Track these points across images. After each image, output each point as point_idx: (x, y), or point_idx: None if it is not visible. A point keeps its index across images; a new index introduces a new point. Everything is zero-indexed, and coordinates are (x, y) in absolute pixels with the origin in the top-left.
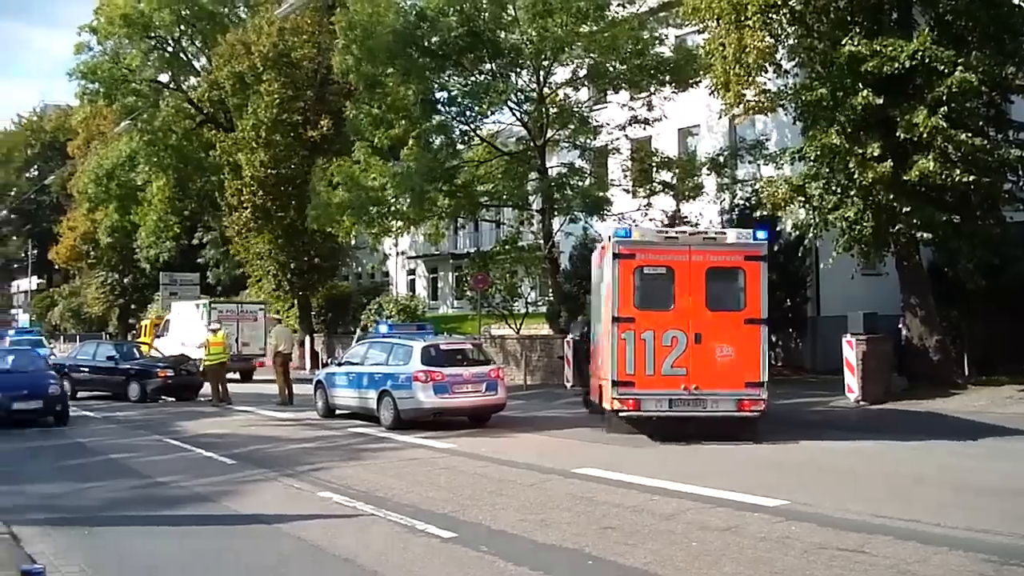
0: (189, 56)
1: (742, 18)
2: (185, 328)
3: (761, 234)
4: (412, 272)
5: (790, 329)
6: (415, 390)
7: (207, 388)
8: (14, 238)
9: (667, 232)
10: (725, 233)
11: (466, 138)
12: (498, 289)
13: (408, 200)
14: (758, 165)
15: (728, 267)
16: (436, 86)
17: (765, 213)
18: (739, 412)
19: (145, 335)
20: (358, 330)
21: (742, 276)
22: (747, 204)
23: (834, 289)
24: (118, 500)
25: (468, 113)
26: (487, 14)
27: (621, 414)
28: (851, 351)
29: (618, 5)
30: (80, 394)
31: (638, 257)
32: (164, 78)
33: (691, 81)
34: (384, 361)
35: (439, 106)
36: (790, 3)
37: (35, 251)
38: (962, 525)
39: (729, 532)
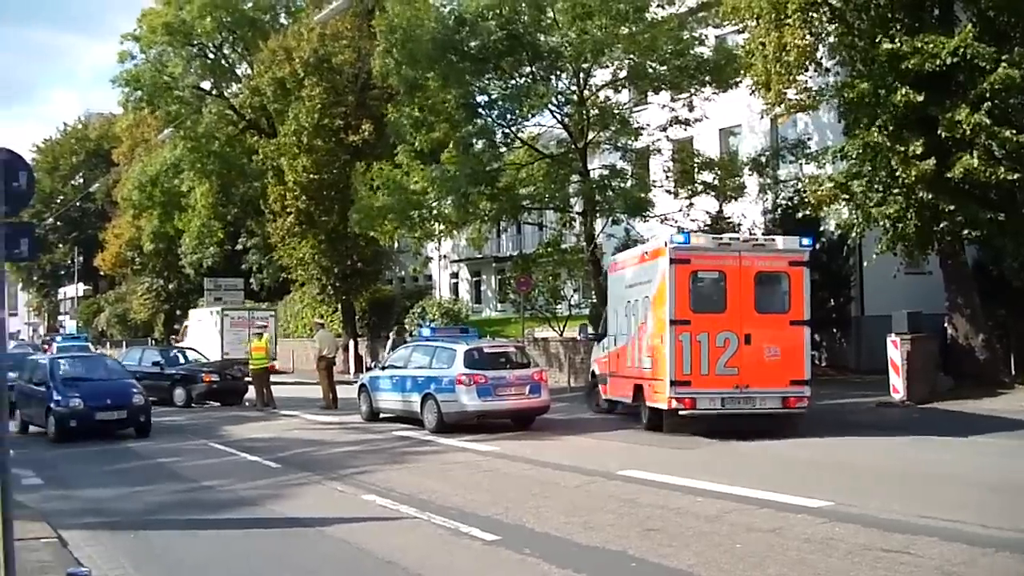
0: (231, 63)
1: (782, 17)
2: (201, 333)
3: (806, 241)
4: (455, 276)
5: (834, 329)
6: (459, 393)
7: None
8: (60, 245)
9: (721, 238)
10: (774, 240)
11: (507, 141)
12: (541, 292)
13: (450, 203)
14: (800, 165)
15: (775, 272)
16: (476, 90)
17: (808, 213)
18: (785, 409)
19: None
20: (391, 334)
21: (787, 280)
22: (790, 204)
23: (878, 288)
24: (164, 504)
25: (509, 116)
26: (526, 17)
27: (680, 412)
28: (896, 351)
29: (657, 6)
30: None
31: (693, 262)
32: (206, 85)
33: (732, 81)
34: (427, 364)
35: (480, 109)
36: (830, 1)
37: (81, 258)
38: (1009, 526)
39: (773, 533)
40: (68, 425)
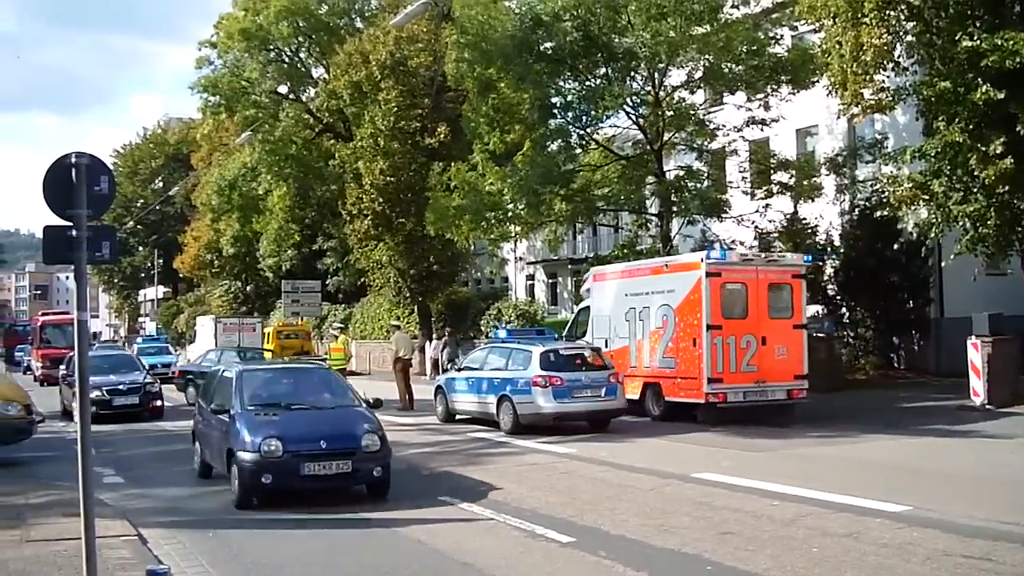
0: (307, 67)
1: (859, 15)
2: (205, 336)
3: (807, 257)
4: (531, 277)
5: (912, 331)
6: (534, 395)
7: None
8: (141, 248)
9: (745, 254)
10: (784, 255)
11: (582, 143)
12: None
13: (524, 204)
14: (878, 165)
15: (782, 283)
16: (552, 91)
17: (886, 214)
18: (790, 399)
19: (268, 342)
20: (444, 336)
21: (791, 290)
22: (867, 205)
23: (958, 290)
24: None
25: (584, 117)
26: (602, 18)
27: (719, 405)
28: (976, 353)
29: (732, 6)
30: None
31: (723, 275)
32: (283, 89)
33: (808, 81)
34: (503, 366)
35: (555, 111)
36: None
37: (161, 261)
38: None
39: (850, 538)
40: (260, 482)
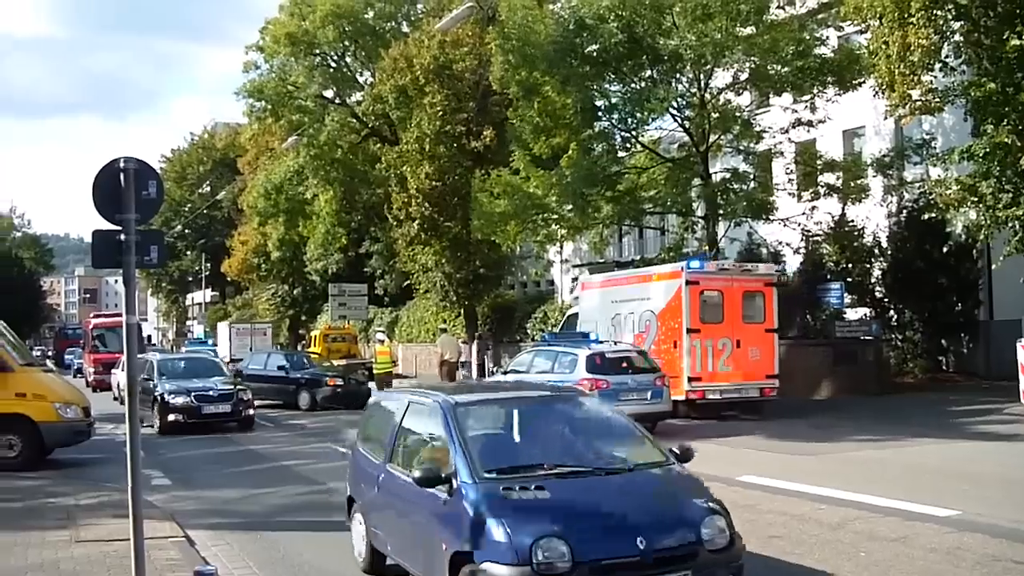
0: (353, 71)
1: (906, 16)
2: (223, 340)
3: (777, 267)
4: (577, 280)
5: (961, 334)
6: None
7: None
8: (188, 252)
9: (721, 264)
10: (757, 266)
11: (627, 145)
12: None
13: (570, 207)
14: (926, 166)
15: (755, 291)
16: (596, 93)
17: (934, 216)
18: (762, 397)
19: (314, 345)
20: (475, 339)
21: (763, 297)
22: (915, 206)
23: (1007, 292)
24: (288, 506)
25: (629, 120)
26: (646, 20)
27: (698, 402)
28: None
29: (777, 7)
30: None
31: (701, 284)
32: (329, 94)
33: (855, 82)
34: (549, 369)
35: (599, 114)
36: None
37: (208, 264)
38: None
39: (898, 542)
40: None
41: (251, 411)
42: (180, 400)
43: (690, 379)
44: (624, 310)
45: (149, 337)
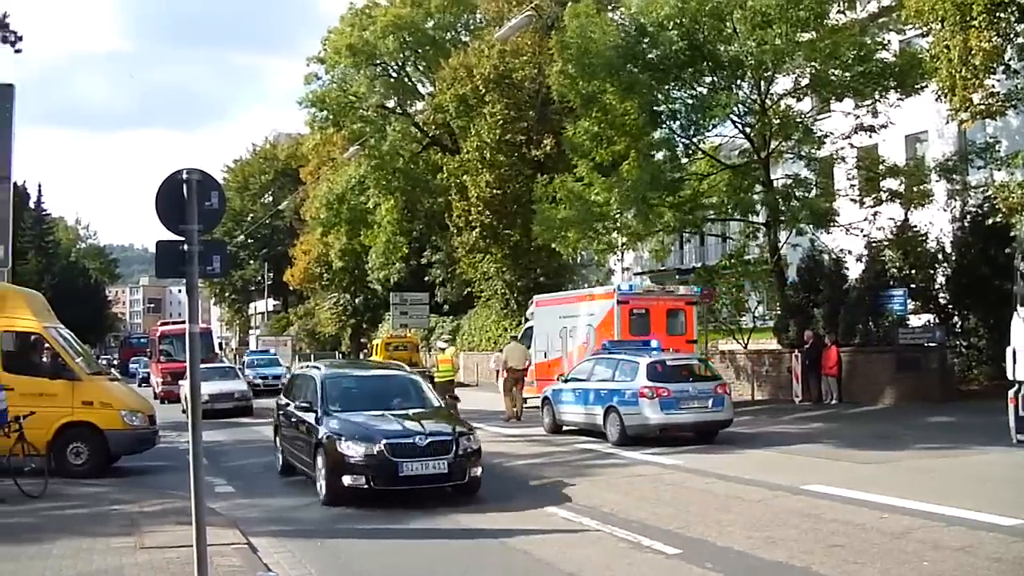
0: (413, 81)
1: (967, 19)
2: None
3: (696, 288)
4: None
5: None
6: (641, 406)
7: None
8: (251, 262)
9: (648, 287)
10: (678, 288)
11: (688, 152)
12: (724, 304)
13: (632, 213)
14: (990, 171)
15: (677, 308)
16: (657, 100)
17: (998, 221)
18: None
19: (376, 354)
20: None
21: (684, 314)
22: (979, 211)
23: None
24: (349, 514)
25: (690, 127)
26: (706, 27)
27: None
28: None
29: (838, 12)
30: None
31: (631, 303)
32: (390, 103)
33: (917, 86)
34: (610, 377)
35: (660, 120)
36: (1018, 0)
37: (271, 274)
38: None
39: (962, 552)
40: None
41: (478, 469)
42: (361, 451)
43: None
44: (570, 324)
45: (221, 344)
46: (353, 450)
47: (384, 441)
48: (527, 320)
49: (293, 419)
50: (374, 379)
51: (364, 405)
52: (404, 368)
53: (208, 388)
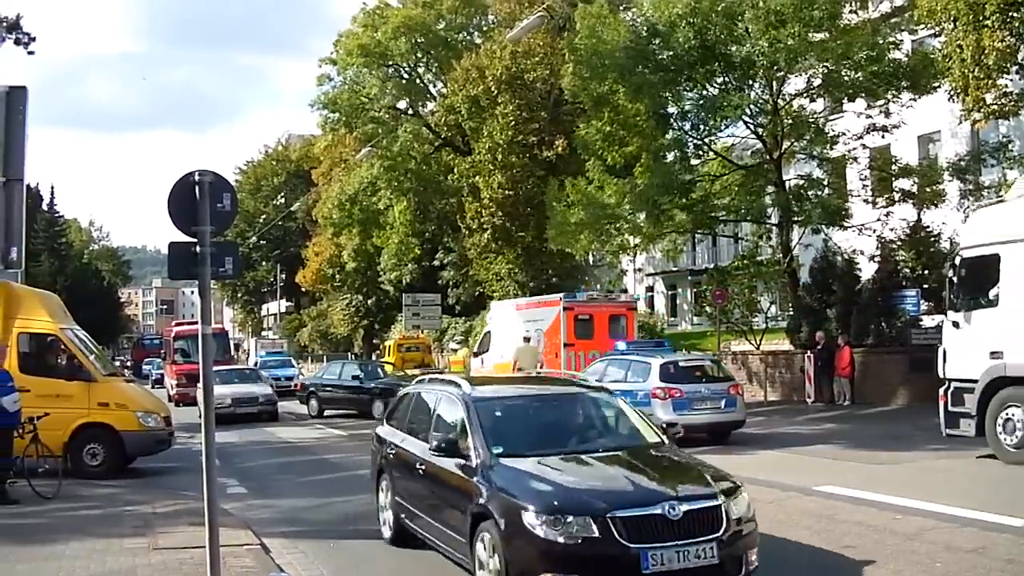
0: (425, 82)
1: (980, 18)
2: (252, 354)
3: (635, 295)
4: (650, 289)
5: None
6: (654, 407)
7: None
8: (263, 263)
9: (591, 295)
10: (620, 295)
11: (700, 152)
12: (737, 304)
13: (644, 215)
14: (1003, 170)
15: (619, 314)
16: (668, 100)
17: None
18: None
19: (389, 355)
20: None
21: (625, 319)
22: None
23: None
24: (362, 514)
25: (702, 127)
26: (718, 27)
27: None
28: None
29: (850, 12)
30: (327, 412)
31: (575, 309)
32: (402, 105)
33: (929, 86)
34: (622, 378)
35: (671, 121)
36: None
37: (283, 275)
38: None
39: (975, 553)
40: None
41: (754, 552)
42: (572, 530)
43: None
44: (524, 328)
45: (238, 345)
46: (554, 530)
47: (613, 514)
48: (485, 325)
49: (419, 467)
50: (549, 401)
51: (543, 444)
52: (580, 382)
53: (230, 391)
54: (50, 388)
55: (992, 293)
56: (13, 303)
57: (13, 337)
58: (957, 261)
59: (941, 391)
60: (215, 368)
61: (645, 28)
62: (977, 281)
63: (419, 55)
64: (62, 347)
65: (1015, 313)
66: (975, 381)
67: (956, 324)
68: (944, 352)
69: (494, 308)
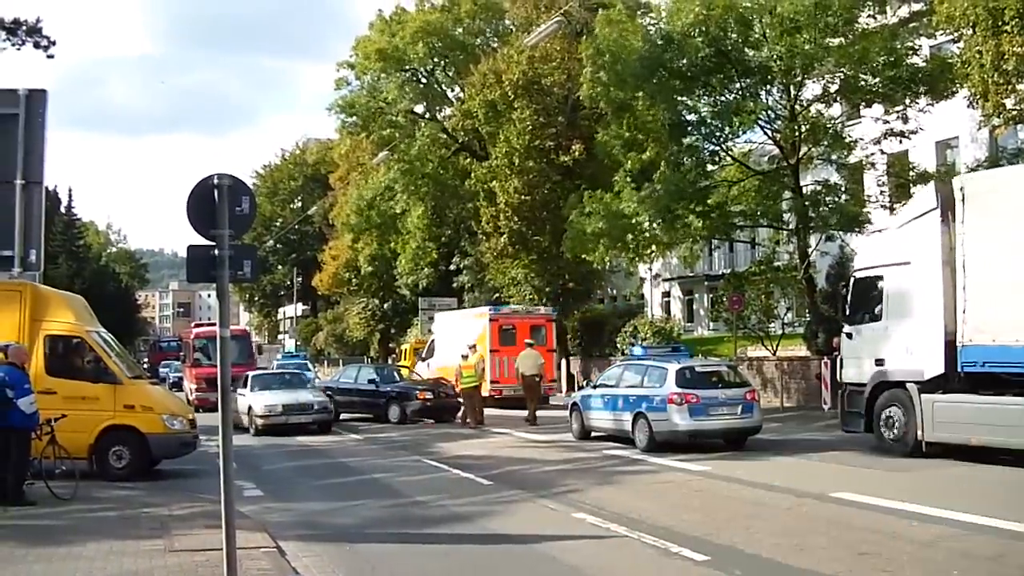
0: (443, 87)
1: (999, 24)
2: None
3: (552, 309)
4: (667, 294)
5: None
6: (670, 412)
7: None
8: (280, 267)
9: (513, 308)
10: (540, 308)
11: (717, 158)
12: (753, 310)
13: (660, 223)
14: None
15: (539, 324)
16: (685, 108)
17: None
18: (545, 394)
19: (405, 359)
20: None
21: (545, 329)
22: None
23: None
24: (378, 518)
25: (718, 133)
26: (734, 34)
27: (496, 397)
28: None
29: (868, 17)
30: (343, 416)
31: (500, 320)
32: (419, 109)
33: (947, 91)
34: (639, 383)
35: (688, 127)
36: None
37: (300, 279)
38: None
39: (992, 561)
40: None
41: None
42: None
43: (492, 382)
44: (460, 337)
45: (259, 347)
46: None
47: None
48: (431, 333)
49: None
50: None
51: None
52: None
53: (281, 399)
54: (76, 390)
55: (876, 309)
56: (39, 305)
57: (39, 339)
58: (851, 282)
59: (840, 394)
60: (258, 373)
61: (660, 38)
62: (866, 299)
63: (436, 59)
64: (88, 349)
65: (894, 327)
66: (864, 385)
67: (849, 336)
68: (841, 360)
69: (437, 319)
